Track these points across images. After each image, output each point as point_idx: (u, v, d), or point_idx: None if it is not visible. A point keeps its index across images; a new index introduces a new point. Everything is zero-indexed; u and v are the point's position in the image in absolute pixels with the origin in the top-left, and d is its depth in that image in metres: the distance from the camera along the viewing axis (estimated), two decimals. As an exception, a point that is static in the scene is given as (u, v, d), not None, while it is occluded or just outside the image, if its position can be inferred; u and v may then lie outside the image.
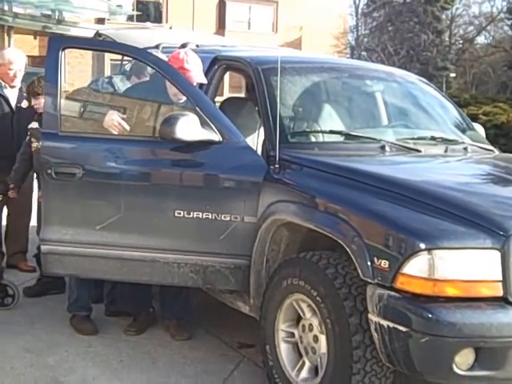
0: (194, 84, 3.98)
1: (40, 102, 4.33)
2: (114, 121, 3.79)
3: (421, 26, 37.22)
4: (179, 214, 3.61)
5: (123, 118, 3.83)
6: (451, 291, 2.71)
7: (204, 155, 3.64)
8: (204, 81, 4.08)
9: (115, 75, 4.40)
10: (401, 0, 39.79)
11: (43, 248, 3.84)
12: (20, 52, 5.44)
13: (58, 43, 3.88)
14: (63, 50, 3.81)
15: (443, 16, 40.71)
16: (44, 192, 3.82)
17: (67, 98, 4.02)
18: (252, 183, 3.56)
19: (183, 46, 4.85)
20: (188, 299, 4.31)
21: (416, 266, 2.71)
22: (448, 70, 37.89)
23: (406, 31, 36.49)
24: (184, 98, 3.86)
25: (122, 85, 4.28)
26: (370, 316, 2.86)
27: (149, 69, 4.25)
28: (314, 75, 4.32)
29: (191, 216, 3.60)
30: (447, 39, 40.86)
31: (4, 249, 5.53)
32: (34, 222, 5.30)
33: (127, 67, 4.74)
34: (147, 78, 4.35)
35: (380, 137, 3.86)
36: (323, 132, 3.91)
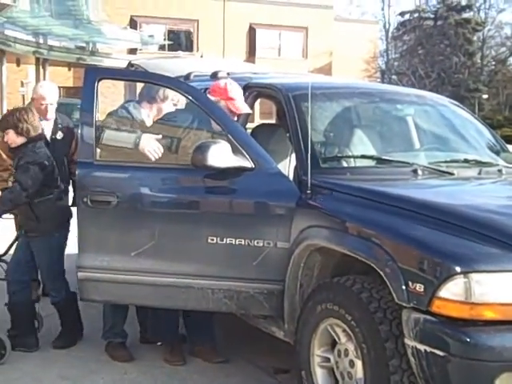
0: (243, 113, 4.06)
1: (8, 137, 4.40)
2: (152, 145, 3.85)
3: (452, 49, 37.10)
4: (212, 240, 3.64)
5: (158, 140, 3.89)
6: (489, 314, 2.68)
7: (236, 182, 3.67)
8: (248, 110, 4.14)
9: (127, 104, 4.42)
10: (431, 23, 39.78)
11: (80, 275, 3.89)
12: (52, 86, 5.55)
13: (94, 74, 3.98)
14: (99, 81, 3.91)
15: (475, 38, 40.57)
16: (80, 220, 3.87)
17: (101, 127, 4.09)
18: (284, 209, 3.57)
19: (214, 74, 4.92)
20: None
21: (452, 290, 2.69)
22: (480, 92, 37.65)
23: (437, 54, 36.38)
24: None
25: (136, 112, 4.32)
26: (407, 340, 2.83)
27: (159, 93, 4.30)
28: (345, 100, 4.35)
29: (224, 242, 3.62)
30: (479, 61, 40.64)
31: (40, 277, 5.60)
32: (69, 250, 5.37)
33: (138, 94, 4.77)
34: (159, 103, 4.37)
35: (412, 160, 3.85)
36: (355, 157, 3.92)
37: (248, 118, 4.42)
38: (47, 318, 4.98)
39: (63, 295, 4.55)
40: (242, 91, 4.17)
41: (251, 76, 4.84)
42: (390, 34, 39.79)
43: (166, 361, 4.23)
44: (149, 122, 4.31)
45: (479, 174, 3.92)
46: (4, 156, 5.17)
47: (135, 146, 3.88)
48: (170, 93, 4.27)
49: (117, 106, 4.44)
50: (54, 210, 4.39)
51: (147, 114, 4.33)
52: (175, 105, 4.36)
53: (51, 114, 5.36)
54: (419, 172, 3.72)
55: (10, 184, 4.98)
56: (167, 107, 4.34)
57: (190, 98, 3.91)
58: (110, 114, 4.30)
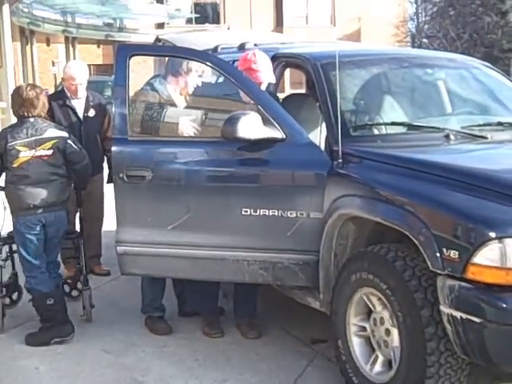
0: (264, 84, 4.03)
1: None
2: (189, 128, 3.95)
3: (484, 8, 36.20)
4: (246, 212, 3.66)
5: (192, 120, 3.91)
6: (525, 280, 2.66)
7: (267, 153, 3.67)
8: (272, 80, 4.13)
9: (153, 80, 4.42)
10: (462, -17, 38.86)
11: (118, 249, 3.97)
12: (81, 65, 5.59)
13: (126, 51, 4.00)
14: (130, 57, 3.93)
15: (507, -4, 39.52)
16: (117, 195, 3.93)
17: (135, 102, 4.12)
18: (316, 179, 3.57)
19: (242, 45, 4.90)
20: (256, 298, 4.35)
21: (487, 256, 2.67)
22: (514, 52, 36.73)
23: (469, 14, 35.55)
24: None
25: (162, 87, 4.33)
26: (442, 308, 2.83)
27: (183, 66, 4.26)
28: (373, 67, 4.30)
29: (258, 214, 3.63)
30: (512, 20, 39.60)
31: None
32: (106, 226, 5.46)
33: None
34: (184, 76, 4.31)
35: (444, 125, 3.81)
36: (385, 124, 3.89)
37: (277, 87, 4.41)
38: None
39: None
40: (269, 61, 4.14)
41: (278, 46, 4.80)
42: (419, -3, 38.97)
43: (205, 333, 4.29)
44: (176, 96, 4.30)
45: (514, 136, 3.86)
46: None
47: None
48: (193, 65, 4.24)
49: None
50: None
51: (173, 88, 4.31)
52: (200, 76, 4.34)
53: (82, 93, 5.41)
54: (451, 137, 3.67)
55: None
56: (192, 79, 4.32)
57: (220, 70, 3.91)
58: (141, 90, 4.31)
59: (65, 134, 4.31)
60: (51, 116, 5.35)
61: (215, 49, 5.05)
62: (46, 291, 4.20)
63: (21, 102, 4.23)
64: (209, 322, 4.34)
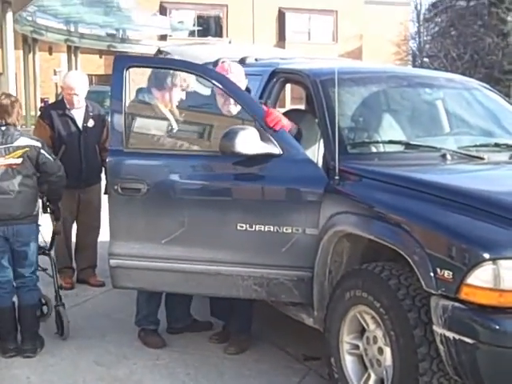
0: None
1: None
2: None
3: (485, 29, 36.40)
4: (241, 227, 3.65)
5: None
6: (518, 301, 2.65)
7: (264, 168, 3.67)
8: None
9: (140, 93, 4.39)
10: (464, 3, 39.08)
11: (111, 262, 3.94)
12: (80, 75, 5.60)
13: (123, 63, 4.00)
14: (128, 68, 3.93)
15: (509, 18, 39.74)
16: (111, 207, 3.91)
17: (131, 114, 4.11)
18: (313, 195, 3.56)
19: (242, 59, 4.91)
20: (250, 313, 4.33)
21: (481, 277, 2.67)
22: (515, 73, 36.89)
23: (470, 35, 35.74)
24: (235, 110, 3.95)
25: (151, 101, 4.30)
26: (435, 328, 2.82)
27: (168, 80, 4.21)
28: (373, 85, 4.31)
29: (253, 229, 3.63)
30: (513, 41, 39.82)
31: (74, 264, 5.70)
32: (102, 237, 5.45)
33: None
34: (167, 90, 4.24)
35: (441, 145, 3.81)
36: (383, 142, 3.89)
37: (276, 103, 4.42)
38: (84, 304, 5.10)
39: None
40: (243, 71, 4.22)
41: (279, 61, 4.82)
42: (421, 16, 39.20)
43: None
44: (164, 109, 4.27)
45: (510, 158, 3.87)
46: None
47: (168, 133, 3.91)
48: (177, 79, 4.22)
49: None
50: None
51: (160, 102, 4.29)
52: (183, 90, 4.31)
53: (80, 103, 5.42)
54: (448, 157, 3.68)
55: None
56: (176, 94, 4.29)
57: (218, 85, 3.91)
58: (132, 102, 4.28)
59: (37, 144, 4.19)
60: (50, 125, 5.37)
61: (216, 62, 5.06)
62: None
63: None
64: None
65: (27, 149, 4.13)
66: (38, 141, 4.27)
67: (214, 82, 3.93)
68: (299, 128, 3.99)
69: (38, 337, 4.25)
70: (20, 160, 4.10)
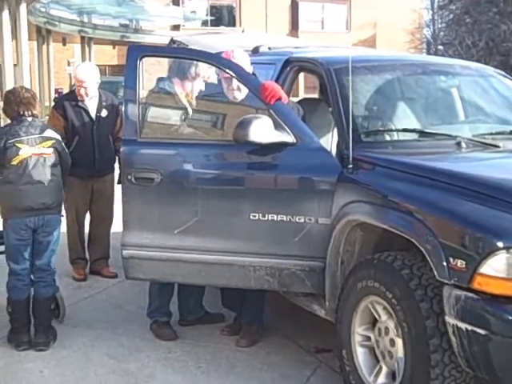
0: None
1: None
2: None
3: (500, 16, 35.99)
4: (254, 216, 3.63)
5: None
6: (532, 291, 2.62)
7: (278, 157, 3.65)
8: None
9: (160, 82, 4.39)
10: (479, -10, 38.70)
11: (124, 253, 3.93)
12: (91, 67, 5.60)
13: (137, 52, 3.98)
14: (141, 58, 3.91)
15: (525, 4, 39.30)
16: (124, 197, 3.90)
17: (145, 104, 4.11)
18: (326, 184, 3.54)
19: (256, 49, 4.89)
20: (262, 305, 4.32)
21: (494, 266, 2.64)
22: (531, 61, 36.51)
23: (485, 22, 35.34)
24: (241, 96, 3.95)
25: (171, 90, 4.30)
26: (448, 318, 2.80)
27: (191, 71, 4.24)
28: (386, 73, 4.27)
29: (266, 218, 3.61)
30: (529, 28, 39.38)
31: (87, 255, 5.71)
32: (115, 228, 5.46)
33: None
34: (190, 80, 4.29)
35: (456, 133, 3.77)
36: (397, 130, 3.85)
37: (290, 92, 4.39)
38: (97, 296, 5.12)
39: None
40: (247, 58, 4.22)
41: (292, 50, 4.79)
42: (435, 4, 38.85)
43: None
44: (184, 99, 4.29)
45: (527, 146, 3.81)
46: None
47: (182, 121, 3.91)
48: (200, 70, 4.24)
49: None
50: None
51: (180, 92, 4.30)
52: (205, 81, 4.32)
53: (90, 95, 5.42)
54: (463, 145, 3.64)
55: None
56: (198, 85, 4.30)
57: (232, 73, 3.89)
58: (150, 92, 4.30)
59: (59, 137, 4.32)
60: (64, 115, 5.38)
61: (229, 51, 5.04)
62: (14, 298, 4.16)
63: (18, 101, 4.20)
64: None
65: (54, 140, 4.23)
66: (58, 133, 4.38)
67: (227, 70, 3.92)
68: (299, 107, 4.04)
69: (52, 329, 4.26)
70: (51, 150, 4.19)
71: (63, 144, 4.35)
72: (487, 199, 2.87)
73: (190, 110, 4.18)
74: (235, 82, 3.97)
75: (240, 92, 3.99)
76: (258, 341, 4.22)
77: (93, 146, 5.40)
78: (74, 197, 5.44)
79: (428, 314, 2.88)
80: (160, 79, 4.36)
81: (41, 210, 4.12)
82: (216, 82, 4.40)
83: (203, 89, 4.34)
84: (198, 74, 4.27)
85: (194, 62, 4.24)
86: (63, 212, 4.45)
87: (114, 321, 4.62)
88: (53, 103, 22.25)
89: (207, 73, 4.29)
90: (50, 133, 4.23)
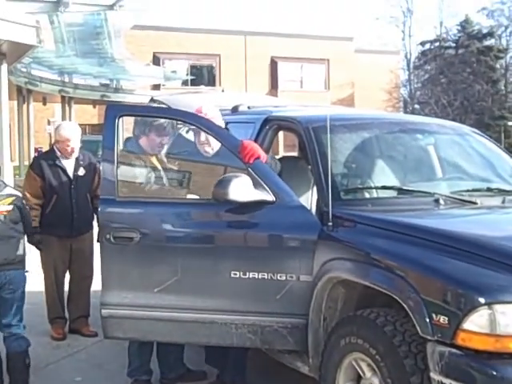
0: None
1: None
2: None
3: (474, 76, 36.97)
4: (235, 274, 3.62)
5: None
6: (515, 347, 2.62)
7: (258, 215, 3.66)
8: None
9: (128, 142, 4.40)
10: (453, 52, 39.78)
11: (103, 312, 3.88)
12: (75, 127, 5.65)
13: (115, 112, 4.01)
14: (119, 117, 3.95)
15: (497, 65, 40.41)
16: (103, 256, 3.88)
17: (121, 163, 4.12)
18: (306, 242, 3.55)
19: (235, 108, 4.96)
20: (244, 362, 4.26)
21: (477, 322, 2.65)
22: (506, 119, 37.33)
23: (460, 82, 36.25)
24: (212, 151, 4.04)
25: (139, 149, 4.30)
26: (432, 375, 2.78)
27: (153, 127, 4.19)
28: (364, 131, 4.34)
29: (247, 276, 3.60)
30: (503, 88, 40.40)
31: (66, 314, 5.63)
32: (95, 286, 5.39)
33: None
34: (153, 138, 4.23)
35: (434, 190, 3.82)
36: (376, 188, 3.90)
37: (269, 150, 4.43)
38: (76, 355, 5.02)
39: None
40: (219, 113, 4.34)
41: (271, 109, 4.86)
42: (411, 64, 39.83)
43: None
44: (153, 158, 4.27)
45: (503, 202, 3.87)
46: (28, 195, 5.27)
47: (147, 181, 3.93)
48: (162, 127, 4.22)
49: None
50: None
51: (148, 150, 4.26)
52: (167, 137, 4.28)
53: (76, 152, 5.45)
54: (441, 202, 3.68)
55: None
56: (163, 141, 4.25)
57: (211, 133, 3.94)
58: (121, 152, 4.28)
59: (19, 194, 4.41)
60: (41, 175, 5.38)
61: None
62: None
63: None
64: None
65: (14, 197, 4.27)
66: (18, 191, 4.47)
67: (206, 130, 3.96)
68: (276, 161, 4.11)
69: None
70: (11, 207, 4.22)
71: (23, 201, 4.41)
72: (467, 256, 2.89)
73: (161, 169, 4.18)
74: (204, 135, 4.05)
75: (210, 146, 4.06)
76: None
77: (71, 205, 5.39)
78: (52, 256, 5.40)
79: (413, 371, 2.86)
80: (127, 139, 4.37)
81: (3, 266, 4.11)
82: (185, 137, 4.44)
83: (170, 145, 4.31)
84: (159, 132, 4.22)
85: (154, 119, 4.23)
86: (28, 268, 4.41)
87: (93, 380, 4.55)
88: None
89: (171, 129, 4.26)
90: (9, 190, 4.30)
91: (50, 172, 5.39)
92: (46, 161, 5.46)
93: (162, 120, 4.21)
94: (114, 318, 3.87)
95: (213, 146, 4.08)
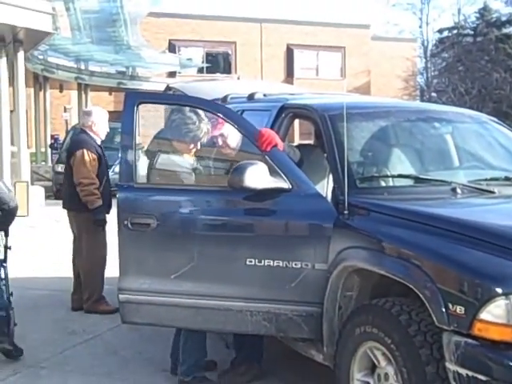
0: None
1: None
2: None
3: (492, 64, 36.56)
4: (251, 262, 3.62)
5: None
6: (532, 337, 2.61)
7: (274, 203, 3.66)
8: None
9: (160, 133, 4.46)
10: (471, 39, 39.37)
11: (121, 297, 3.91)
12: (101, 109, 6.00)
13: (134, 99, 4.03)
14: (138, 105, 3.96)
15: (516, 53, 39.94)
16: (121, 242, 3.90)
17: (142, 150, 4.16)
18: (322, 230, 3.54)
19: (251, 95, 4.94)
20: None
21: (493, 312, 2.63)
22: (524, 108, 36.93)
23: (477, 70, 35.88)
24: (233, 152, 4.13)
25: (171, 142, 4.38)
26: (448, 364, 2.78)
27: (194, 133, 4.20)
28: (381, 119, 4.31)
29: (262, 264, 3.60)
30: (521, 76, 39.94)
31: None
32: (110, 272, 5.43)
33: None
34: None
35: (451, 179, 3.79)
36: (392, 176, 3.88)
37: (285, 138, 4.42)
38: (91, 341, 5.05)
39: None
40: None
41: (287, 97, 4.84)
42: (428, 52, 39.48)
43: None
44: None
45: (521, 192, 3.84)
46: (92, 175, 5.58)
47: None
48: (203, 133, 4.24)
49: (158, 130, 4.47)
50: None
51: (181, 148, 4.29)
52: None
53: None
54: (458, 191, 3.66)
55: None
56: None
57: (228, 120, 3.93)
58: (152, 140, 4.36)
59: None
60: (97, 156, 5.66)
61: (224, 98, 5.10)
62: None
63: None
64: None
65: None
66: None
67: (223, 117, 3.95)
68: (295, 149, 4.12)
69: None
70: None
71: (0, 183, 4.44)
72: (485, 245, 2.87)
73: (186, 157, 4.20)
74: (222, 140, 4.15)
75: (230, 149, 4.14)
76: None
77: (109, 186, 5.74)
78: (104, 235, 5.59)
79: (428, 360, 2.85)
80: (160, 131, 4.43)
81: None
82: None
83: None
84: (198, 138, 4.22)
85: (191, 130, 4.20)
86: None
87: (108, 366, 4.56)
88: (49, 149, 22.30)
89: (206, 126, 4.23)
90: None
91: (101, 153, 5.68)
92: (92, 141, 5.71)
93: (197, 131, 4.18)
94: (131, 303, 3.90)
95: (232, 147, 4.14)
